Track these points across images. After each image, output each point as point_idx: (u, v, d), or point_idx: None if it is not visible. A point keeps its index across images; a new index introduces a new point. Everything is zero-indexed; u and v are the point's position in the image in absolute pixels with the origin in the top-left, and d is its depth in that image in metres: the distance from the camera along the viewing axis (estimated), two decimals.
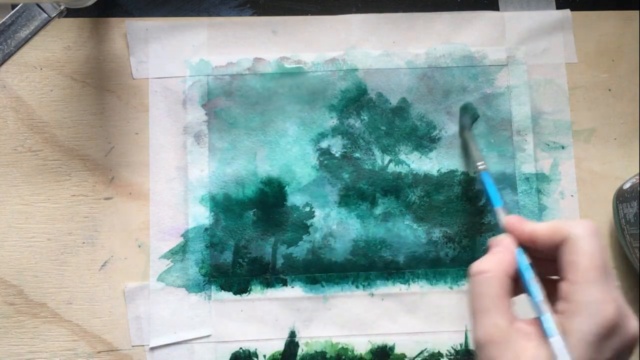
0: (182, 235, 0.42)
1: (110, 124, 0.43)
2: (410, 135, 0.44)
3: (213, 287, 0.42)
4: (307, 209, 0.43)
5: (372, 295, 0.42)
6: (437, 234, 0.43)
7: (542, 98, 0.44)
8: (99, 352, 0.41)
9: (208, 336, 0.41)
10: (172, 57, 0.44)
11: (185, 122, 0.43)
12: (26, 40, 0.38)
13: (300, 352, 0.42)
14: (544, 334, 0.28)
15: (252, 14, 0.45)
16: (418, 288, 0.42)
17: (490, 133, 0.44)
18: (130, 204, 0.42)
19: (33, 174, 0.43)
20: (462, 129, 0.43)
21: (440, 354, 0.42)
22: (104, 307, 0.41)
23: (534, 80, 0.44)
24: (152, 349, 0.41)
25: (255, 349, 0.41)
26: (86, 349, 0.41)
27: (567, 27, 0.45)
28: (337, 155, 0.43)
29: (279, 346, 0.42)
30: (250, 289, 0.42)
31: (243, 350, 0.41)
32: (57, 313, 0.41)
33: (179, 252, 0.42)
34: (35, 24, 0.38)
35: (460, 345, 0.42)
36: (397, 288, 0.42)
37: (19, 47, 0.38)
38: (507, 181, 0.43)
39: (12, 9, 0.38)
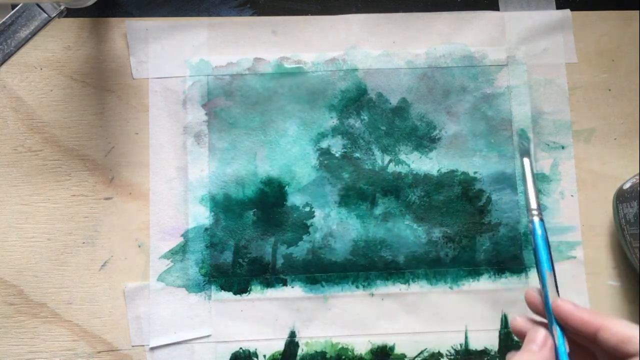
0: (182, 235, 0.42)
1: (110, 124, 0.43)
2: (410, 135, 0.44)
3: (213, 287, 0.42)
4: (307, 209, 0.43)
5: (372, 295, 0.42)
6: (437, 234, 0.43)
7: (542, 98, 0.44)
8: (99, 352, 0.41)
9: (208, 336, 0.41)
10: (172, 57, 0.44)
11: (185, 122, 0.43)
12: (26, 40, 0.38)
13: (300, 352, 0.42)
14: None
15: (252, 14, 0.45)
16: (418, 288, 0.42)
17: (490, 133, 0.44)
18: (130, 204, 0.42)
19: (33, 174, 0.43)
20: (525, 154, 0.37)
21: (440, 354, 0.42)
22: (104, 307, 0.41)
23: (534, 80, 0.44)
24: (152, 349, 0.41)
25: (255, 349, 0.41)
26: (86, 349, 0.41)
27: (567, 27, 0.45)
28: (337, 155, 0.43)
29: (279, 346, 0.42)
30: (250, 289, 0.42)
31: (243, 350, 0.41)
32: (57, 313, 0.41)
33: (179, 252, 0.42)
34: (35, 24, 0.38)
35: (460, 345, 0.42)
36: (397, 288, 0.42)
37: (19, 47, 0.38)
38: (507, 181, 0.43)
39: (12, 9, 0.38)
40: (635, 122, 0.44)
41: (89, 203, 0.42)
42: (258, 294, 0.42)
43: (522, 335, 0.32)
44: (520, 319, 0.33)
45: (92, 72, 0.44)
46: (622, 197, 0.41)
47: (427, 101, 0.44)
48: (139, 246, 0.42)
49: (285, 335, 0.42)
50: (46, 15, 0.38)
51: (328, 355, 0.41)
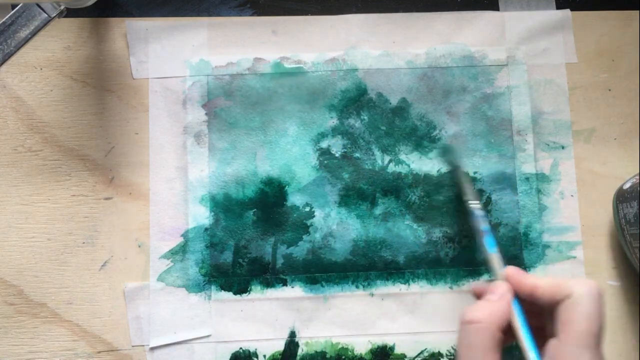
0: (182, 235, 0.42)
1: (110, 124, 0.43)
2: (410, 135, 0.44)
3: (213, 287, 0.42)
4: (307, 209, 0.43)
5: (372, 295, 0.42)
6: (437, 234, 0.43)
7: (542, 98, 0.44)
8: (99, 352, 0.41)
9: (208, 336, 0.41)
10: (172, 57, 0.44)
11: (185, 122, 0.43)
12: (26, 40, 0.38)
13: (300, 352, 0.42)
14: None
15: (252, 14, 0.45)
16: (418, 288, 0.42)
17: (490, 133, 0.44)
18: (130, 204, 0.42)
19: (33, 174, 0.43)
20: (455, 168, 0.43)
21: (440, 354, 0.42)
22: (104, 307, 0.41)
23: (534, 80, 0.44)
24: (152, 349, 0.41)
25: (255, 349, 0.41)
26: (86, 349, 0.41)
27: (567, 27, 0.45)
28: (337, 155, 0.43)
29: (279, 346, 0.42)
30: (250, 289, 0.42)
31: (243, 350, 0.41)
32: (57, 313, 0.41)
33: (179, 252, 0.42)
34: (35, 24, 0.38)
35: None
36: (397, 288, 0.42)
37: (19, 47, 0.38)
38: (507, 181, 0.43)
39: (12, 9, 0.38)
40: (635, 122, 0.44)
41: (89, 203, 0.42)
42: (258, 294, 0.42)
43: (480, 295, 0.34)
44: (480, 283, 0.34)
45: (92, 72, 0.44)
46: (622, 197, 0.41)
47: (427, 101, 0.44)
48: (139, 246, 0.42)
49: (285, 335, 0.42)
50: (46, 15, 0.38)
51: (328, 355, 0.41)
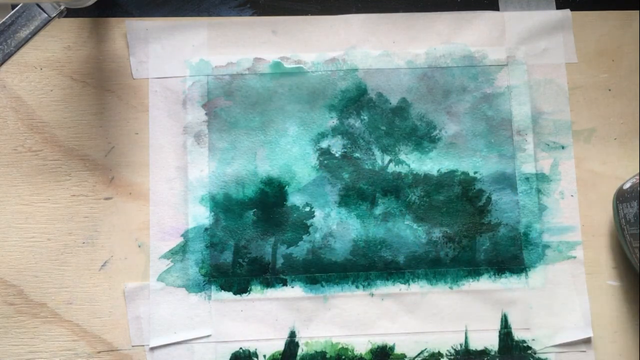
0: (182, 235, 0.42)
1: (110, 124, 0.43)
2: (410, 135, 0.44)
3: (213, 287, 0.42)
4: (307, 209, 0.43)
5: (372, 295, 0.42)
6: (437, 234, 0.43)
7: (542, 98, 0.44)
8: (99, 352, 0.41)
9: (208, 336, 0.41)
10: (172, 57, 0.44)
11: (185, 122, 0.43)
12: (26, 40, 0.38)
13: (300, 352, 0.42)
14: None
15: (252, 14, 0.45)
16: (418, 288, 0.42)
17: (490, 133, 0.44)
18: (130, 204, 0.42)
19: (33, 174, 0.43)
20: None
21: (440, 354, 0.42)
22: (104, 307, 0.42)
23: (534, 80, 0.44)
24: (152, 349, 0.41)
25: (255, 349, 0.41)
26: (86, 349, 0.41)
27: (567, 27, 0.45)
28: (337, 155, 0.43)
29: (279, 346, 0.42)
30: (250, 289, 0.42)
31: (243, 350, 0.41)
32: (57, 313, 0.41)
33: (179, 252, 0.42)
34: (35, 24, 0.38)
35: (460, 345, 0.42)
36: (397, 288, 0.42)
37: (19, 47, 0.38)
38: (507, 181, 0.43)
39: (12, 9, 0.38)
40: (635, 122, 0.44)
41: (89, 203, 0.42)
42: (258, 294, 0.42)
43: None
44: None
45: (92, 72, 0.44)
46: (622, 197, 0.41)
47: (427, 101, 0.44)
48: (139, 246, 0.42)
49: (285, 335, 0.42)
50: (46, 15, 0.38)
51: (328, 355, 0.41)
